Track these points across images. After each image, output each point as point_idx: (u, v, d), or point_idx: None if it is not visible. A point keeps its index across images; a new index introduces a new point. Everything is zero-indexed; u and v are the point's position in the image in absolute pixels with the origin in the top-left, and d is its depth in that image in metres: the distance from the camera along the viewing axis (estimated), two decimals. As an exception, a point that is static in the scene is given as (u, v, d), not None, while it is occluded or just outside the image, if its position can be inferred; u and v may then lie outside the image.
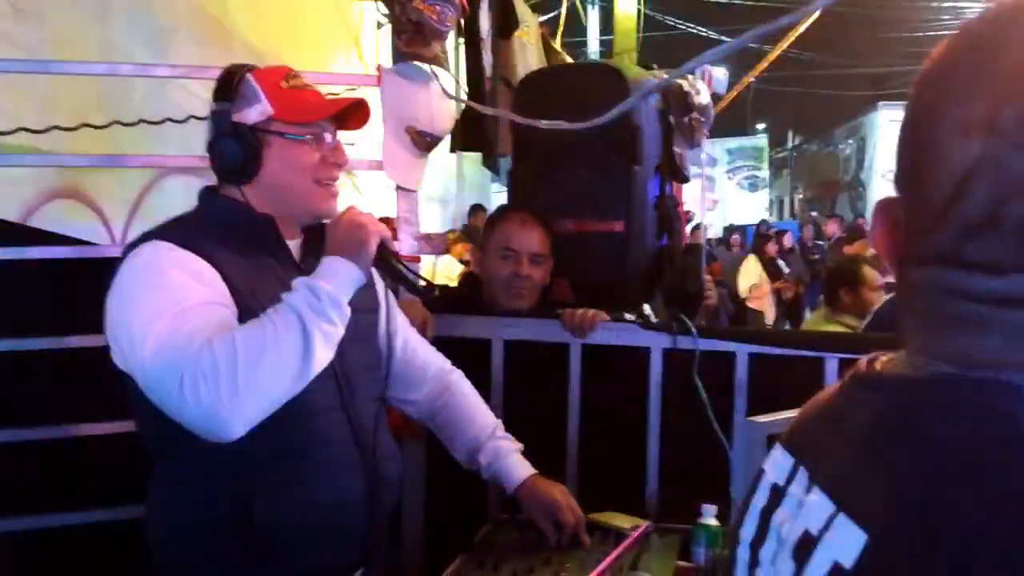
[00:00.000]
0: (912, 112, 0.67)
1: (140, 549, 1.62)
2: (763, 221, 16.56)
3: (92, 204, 3.32)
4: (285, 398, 1.43)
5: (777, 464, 0.74)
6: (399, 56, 2.37)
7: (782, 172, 31.89)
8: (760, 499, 0.74)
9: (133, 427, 1.65)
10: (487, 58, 3.06)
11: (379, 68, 2.37)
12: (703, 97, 2.51)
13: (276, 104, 1.59)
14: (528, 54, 3.42)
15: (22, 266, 2.19)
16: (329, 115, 1.64)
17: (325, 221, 1.64)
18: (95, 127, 2.69)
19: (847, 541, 0.59)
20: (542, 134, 2.47)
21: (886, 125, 18.80)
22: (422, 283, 1.68)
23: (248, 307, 1.51)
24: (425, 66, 2.35)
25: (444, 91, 2.25)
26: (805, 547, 0.64)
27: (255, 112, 1.59)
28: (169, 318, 1.41)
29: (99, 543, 2.20)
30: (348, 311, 1.50)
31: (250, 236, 1.61)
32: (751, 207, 21.49)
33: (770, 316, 9.45)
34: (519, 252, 2.36)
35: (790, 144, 32.01)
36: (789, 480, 0.71)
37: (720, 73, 2.66)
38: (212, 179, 1.68)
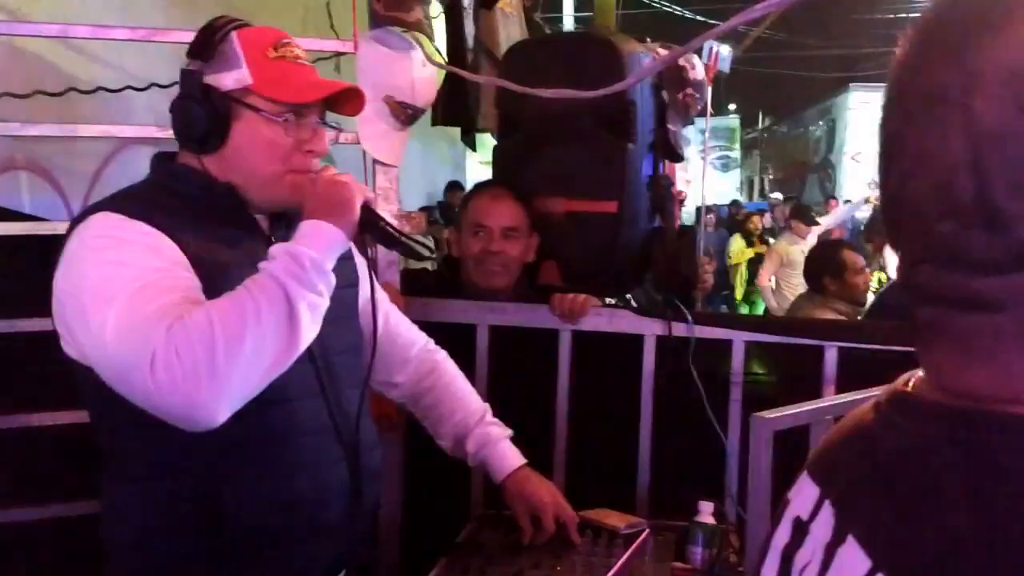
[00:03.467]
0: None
1: (93, 549, 1.48)
2: (735, 202, 16.56)
3: (49, 177, 3.15)
4: (270, 379, 1.28)
5: (801, 494, 0.65)
6: (377, 21, 2.22)
7: (752, 153, 32.01)
8: (782, 535, 0.65)
9: (85, 418, 1.49)
10: (469, 28, 2.92)
11: (356, 34, 2.23)
12: (698, 72, 2.40)
13: (257, 74, 1.43)
14: (510, 25, 3.27)
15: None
16: (314, 99, 1.46)
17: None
18: (49, 94, 2.53)
19: None
20: (528, 109, 2.36)
21: (857, 107, 18.83)
22: (417, 244, 1.53)
23: (213, 281, 1.35)
24: (406, 33, 2.21)
25: (428, 59, 2.11)
26: None
27: (231, 78, 1.43)
28: (129, 296, 1.25)
29: (50, 541, 2.07)
30: (333, 279, 1.35)
31: (210, 206, 1.45)
32: (723, 187, 21.50)
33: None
34: (490, 227, 2.26)
35: (761, 125, 32.11)
36: (813, 515, 0.61)
37: (725, 51, 2.55)
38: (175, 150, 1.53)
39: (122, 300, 1.25)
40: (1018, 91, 0.48)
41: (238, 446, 1.37)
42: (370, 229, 1.47)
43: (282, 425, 1.44)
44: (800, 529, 0.63)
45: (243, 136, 1.44)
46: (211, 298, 1.32)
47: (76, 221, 1.39)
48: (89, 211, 1.39)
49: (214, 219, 1.44)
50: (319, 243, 1.34)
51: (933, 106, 0.52)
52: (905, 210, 0.55)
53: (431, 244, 1.42)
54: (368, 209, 1.45)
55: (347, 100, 1.52)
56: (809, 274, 3.83)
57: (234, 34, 1.44)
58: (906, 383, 0.60)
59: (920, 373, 0.61)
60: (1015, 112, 0.48)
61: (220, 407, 1.23)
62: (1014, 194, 0.48)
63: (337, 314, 1.45)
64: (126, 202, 1.40)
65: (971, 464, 0.51)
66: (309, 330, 1.31)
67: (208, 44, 1.44)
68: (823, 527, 0.60)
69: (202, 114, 1.42)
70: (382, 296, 1.79)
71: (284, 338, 1.27)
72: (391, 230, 1.50)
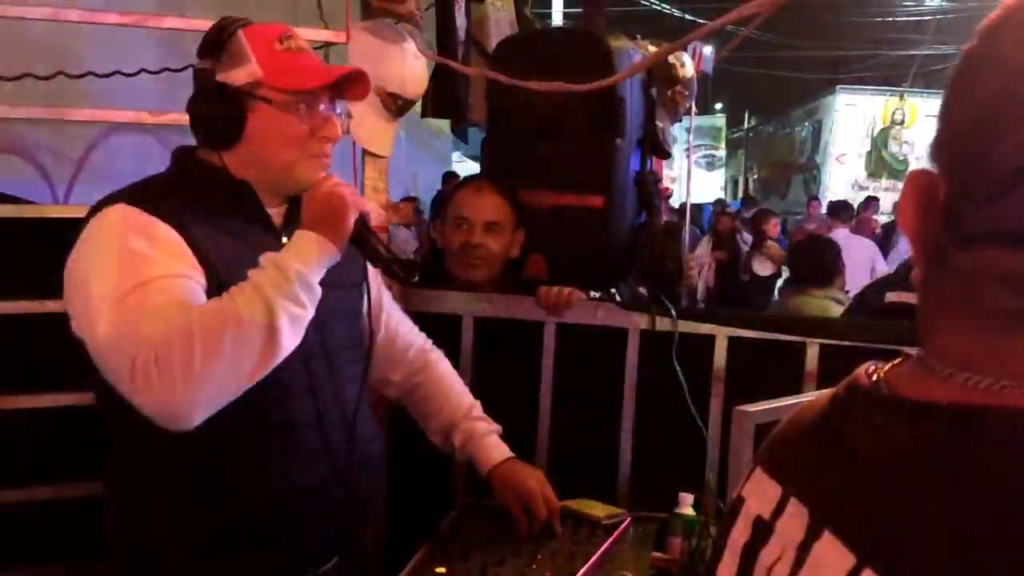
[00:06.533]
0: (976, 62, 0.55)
1: (92, 530, 1.53)
2: (718, 200, 16.62)
3: (34, 161, 3.14)
4: (246, 385, 1.34)
5: (760, 493, 0.64)
6: (370, 12, 2.23)
7: (737, 152, 32.07)
8: (741, 533, 0.64)
9: (75, 400, 1.60)
10: (460, 21, 2.93)
11: (348, 25, 2.24)
12: (687, 70, 2.42)
13: (266, 67, 1.48)
14: (501, 19, 3.28)
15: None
16: (324, 84, 1.52)
17: None
18: (38, 78, 2.52)
19: None
20: (518, 103, 2.37)
21: (843, 109, 18.90)
22: (398, 264, 1.55)
23: (221, 281, 1.40)
24: (398, 24, 2.21)
25: (420, 50, 2.12)
26: None
27: (242, 73, 1.48)
28: (127, 293, 1.31)
29: (49, 521, 2.07)
30: (319, 291, 1.40)
31: (228, 203, 1.51)
32: (708, 186, 21.55)
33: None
34: (471, 220, 2.27)
35: (746, 125, 32.19)
36: (776, 514, 0.61)
37: (707, 51, 2.57)
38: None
39: (119, 296, 1.31)
40: None
41: (237, 437, 1.43)
42: (360, 244, 1.51)
43: (282, 418, 1.49)
44: (762, 528, 0.62)
45: (259, 128, 1.49)
46: (216, 294, 1.38)
47: (95, 210, 1.44)
48: (107, 201, 1.44)
49: (231, 215, 1.50)
50: (307, 255, 1.40)
51: None
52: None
53: (413, 272, 1.41)
54: (361, 224, 1.48)
55: (352, 85, 1.57)
56: (825, 267, 3.79)
57: (240, 32, 1.49)
58: (868, 378, 0.59)
59: (877, 367, 0.60)
60: None
61: (194, 411, 1.29)
62: None
63: (341, 311, 1.56)
64: (143, 195, 1.45)
65: (987, 462, 0.50)
66: (289, 340, 1.36)
67: (217, 42, 1.49)
68: (792, 525, 0.59)
69: (218, 111, 1.47)
70: (387, 296, 1.86)
71: (263, 348, 1.32)
72: (380, 249, 1.53)
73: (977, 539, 0.48)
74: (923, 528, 0.50)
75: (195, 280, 1.39)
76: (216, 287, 1.39)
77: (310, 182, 1.51)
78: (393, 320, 1.86)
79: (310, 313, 1.39)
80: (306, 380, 1.52)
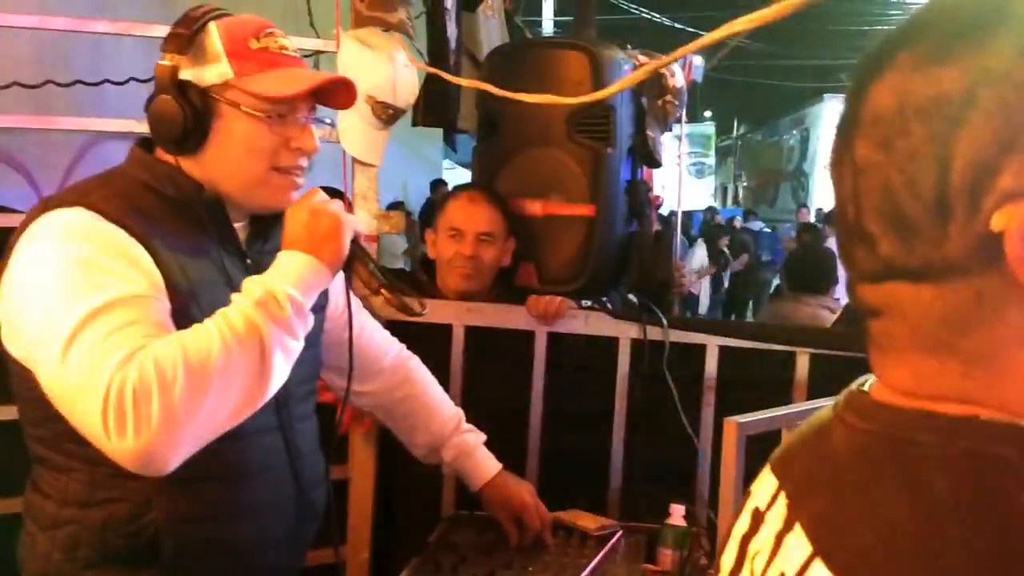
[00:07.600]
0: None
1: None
2: (710, 208, 16.69)
3: (22, 169, 3.12)
4: (229, 427, 1.19)
5: (763, 487, 0.68)
6: (360, 21, 2.22)
7: (727, 160, 32.21)
8: (742, 524, 0.69)
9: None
10: (451, 30, 2.92)
11: (338, 33, 2.23)
12: (678, 80, 2.42)
13: (238, 66, 1.31)
14: (492, 28, 3.28)
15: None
16: (302, 91, 1.34)
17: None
18: (26, 86, 2.50)
19: None
20: (509, 112, 2.37)
21: (831, 117, 18.98)
22: (405, 297, 1.41)
23: (183, 302, 1.27)
24: (388, 33, 2.21)
25: (410, 60, 2.11)
26: None
27: (211, 72, 1.31)
28: (94, 313, 1.15)
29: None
30: (312, 320, 1.26)
31: (191, 213, 1.35)
32: (698, 193, 21.62)
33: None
34: (464, 231, 2.24)
35: (736, 133, 32.31)
36: (769, 506, 0.65)
37: (698, 61, 2.57)
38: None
39: (85, 316, 1.15)
40: (879, 133, 0.57)
41: (185, 482, 1.25)
42: (356, 269, 1.38)
43: (235, 464, 1.36)
44: (757, 518, 0.67)
45: (224, 135, 1.33)
46: (178, 318, 1.25)
47: (44, 208, 1.27)
48: (59, 202, 1.28)
49: (191, 227, 1.35)
50: (302, 282, 1.25)
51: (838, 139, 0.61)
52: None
53: (423, 303, 1.34)
54: (356, 247, 1.36)
55: (337, 92, 1.42)
56: (823, 276, 3.76)
57: (213, 24, 1.33)
58: (861, 384, 0.64)
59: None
60: (875, 151, 0.56)
61: (172, 456, 1.14)
62: (876, 218, 0.56)
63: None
64: (101, 198, 1.28)
65: (899, 461, 0.55)
66: (279, 378, 1.23)
67: (185, 36, 1.32)
68: (776, 516, 0.63)
69: (179, 113, 1.30)
70: (356, 305, 1.66)
71: (252, 387, 1.19)
72: (379, 275, 1.40)
73: (906, 535, 0.51)
74: (862, 521, 0.54)
75: (163, 302, 1.24)
76: (179, 309, 1.26)
77: (276, 201, 1.37)
78: (365, 330, 1.74)
79: (301, 344, 1.25)
80: (262, 422, 1.33)
